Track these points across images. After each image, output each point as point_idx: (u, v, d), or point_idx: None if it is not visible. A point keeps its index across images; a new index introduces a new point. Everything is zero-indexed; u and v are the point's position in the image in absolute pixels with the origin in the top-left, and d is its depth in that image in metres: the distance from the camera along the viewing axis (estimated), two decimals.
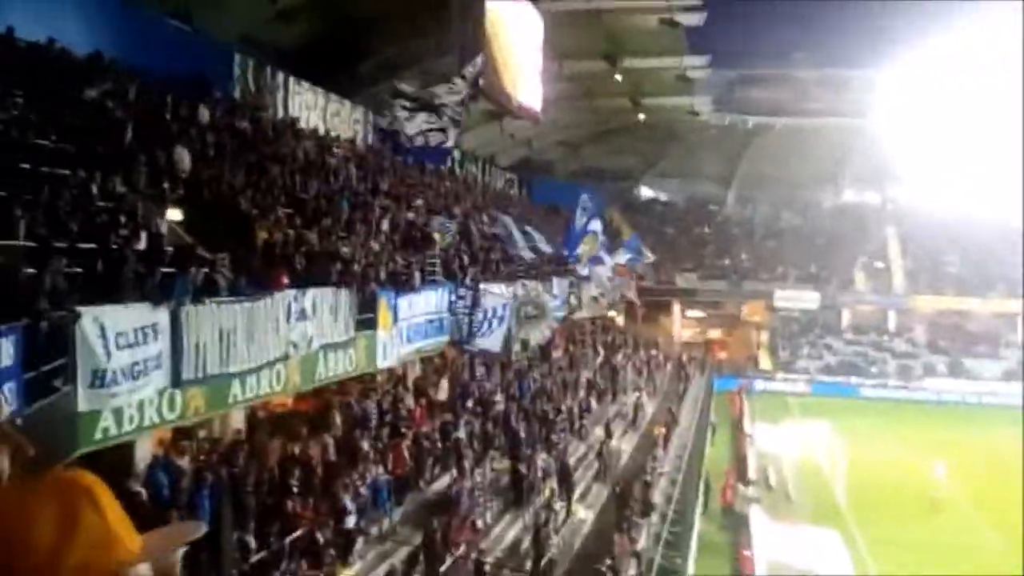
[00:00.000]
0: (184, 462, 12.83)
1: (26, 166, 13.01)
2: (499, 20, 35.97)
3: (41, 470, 1.71)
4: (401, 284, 19.09)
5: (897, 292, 58.83)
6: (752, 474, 31.16)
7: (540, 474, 21.68)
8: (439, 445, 20.25)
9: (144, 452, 12.58)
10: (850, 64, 60.35)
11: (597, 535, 21.49)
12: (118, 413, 10.37)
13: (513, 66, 38.88)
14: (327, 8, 31.86)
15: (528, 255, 28.77)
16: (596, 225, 32.05)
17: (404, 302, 18.50)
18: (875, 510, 27.80)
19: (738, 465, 32.45)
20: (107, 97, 17.66)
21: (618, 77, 49.55)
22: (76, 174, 13.57)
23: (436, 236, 24.20)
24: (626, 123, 62.80)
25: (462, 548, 16.45)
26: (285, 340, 13.63)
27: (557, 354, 34.92)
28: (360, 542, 15.55)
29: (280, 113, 30.06)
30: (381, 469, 17.02)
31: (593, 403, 33.11)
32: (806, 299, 58.43)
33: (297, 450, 15.66)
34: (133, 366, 10.28)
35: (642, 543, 20.94)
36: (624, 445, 29.91)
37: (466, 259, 25.71)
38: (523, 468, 21.32)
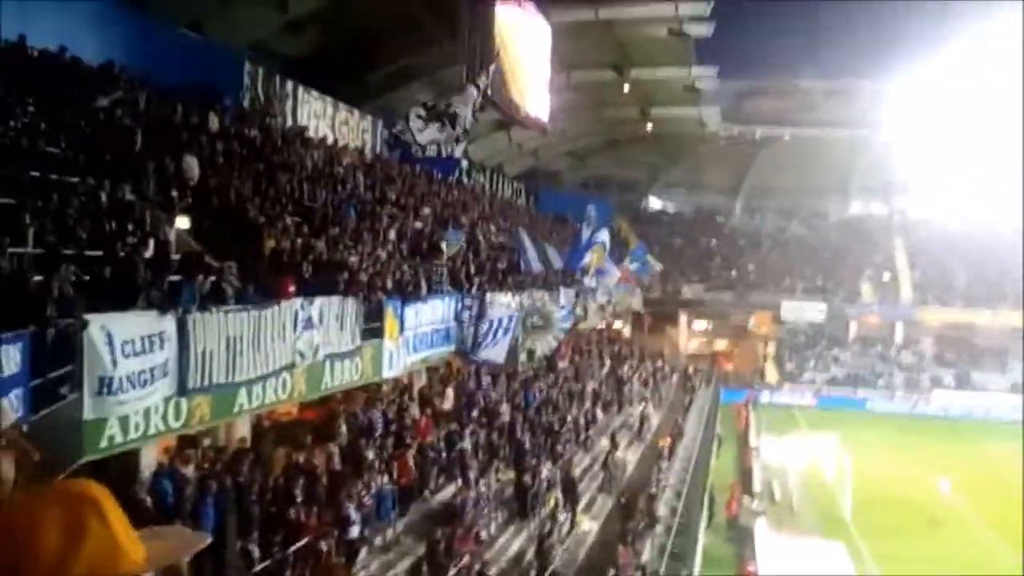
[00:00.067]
0: (189, 470, 12.82)
1: (35, 174, 13.08)
2: (508, 30, 36.04)
3: (47, 477, 1.73)
4: (408, 293, 19.10)
5: (904, 304, 58.61)
6: (757, 487, 31.08)
7: (545, 485, 21.63)
8: (444, 455, 20.24)
9: (149, 460, 12.59)
10: (858, 75, 60.34)
11: (601, 547, 21.42)
12: (124, 421, 10.39)
13: (521, 76, 38.96)
14: (336, 18, 31.99)
15: (538, 268, 28.85)
16: (603, 236, 32.08)
17: (411, 311, 18.50)
18: (880, 523, 27.70)
19: (743, 478, 32.37)
20: (117, 106, 17.76)
21: (626, 87, 49.61)
22: (85, 181, 13.64)
23: (443, 246, 24.24)
24: (634, 134, 62.88)
25: (466, 559, 16.42)
26: (291, 349, 13.64)
27: (563, 365, 34.87)
28: (364, 552, 15.55)
29: (289, 122, 30.19)
30: (386, 479, 17.00)
31: (599, 414, 33.05)
32: (813, 311, 58.24)
33: (302, 459, 15.65)
34: (140, 374, 10.30)
35: (646, 555, 20.86)
36: (629, 456, 29.82)
37: (473, 269, 25.73)
38: (528, 479, 21.28)
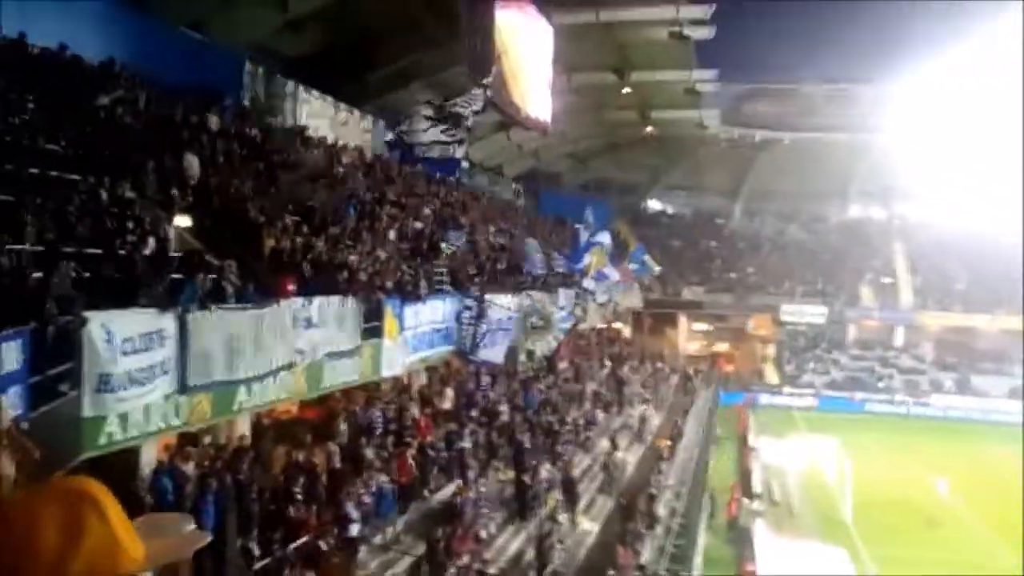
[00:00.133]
0: (189, 468, 12.83)
1: (35, 171, 13.07)
2: (509, 32, 36.03)
3: (46, 474, 1.71)
4: (407, 293, 19.10)
5: (904, 308, 58.68)
6: (757, 488, 31.08)
7: (544, 485, 21.64)
8: (443, 454, 20.25)
9: (149, 457, 12.59)
10: (858, 79, 60.27)
11: (601, 547, 21.42)
12: (123, 418, 10.38)
13: (522, 77, 38.93)
14: (337, 18, 31.96)
15: (541, 271, 28.92)
16: (603, 237, 32.12)
17: (410, 311, 18.52)
18: (879, 525, 27.69)
19: (743, 479, 32.36)
20: (118, 104, 17.75)
21: (627, 90, 49.62)
22: (85, 179, 13.63)
23: (443, 246, 24.26)
24: (634, 136, 62.87)
25: (465, 558, 16.43)
26: (291, 347, 13.64)
27: (563, 365, 34.89)
28: (363, 550, 15.54)
29: (289, 121, 30.18)
30: (385, 478, 17.01)
31: (599, 415, 33.06)
32: (813, 313, 58.32)
33: (302, 458, 15.66)
34: (140, 371, 10.30)
35: (646, 556, 20.87)
36: (629, 457, 29.84)
37: (472, 269, 25.74)
38: (527, 479, 21.28)
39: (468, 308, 20.84)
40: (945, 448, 39.51)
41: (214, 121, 21.38)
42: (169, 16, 25.71)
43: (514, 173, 59.70)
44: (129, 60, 21.19)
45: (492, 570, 17.39)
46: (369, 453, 17.23)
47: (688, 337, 61.41)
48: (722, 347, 61.26)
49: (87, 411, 9.65)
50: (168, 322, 10.91)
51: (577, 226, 31.87)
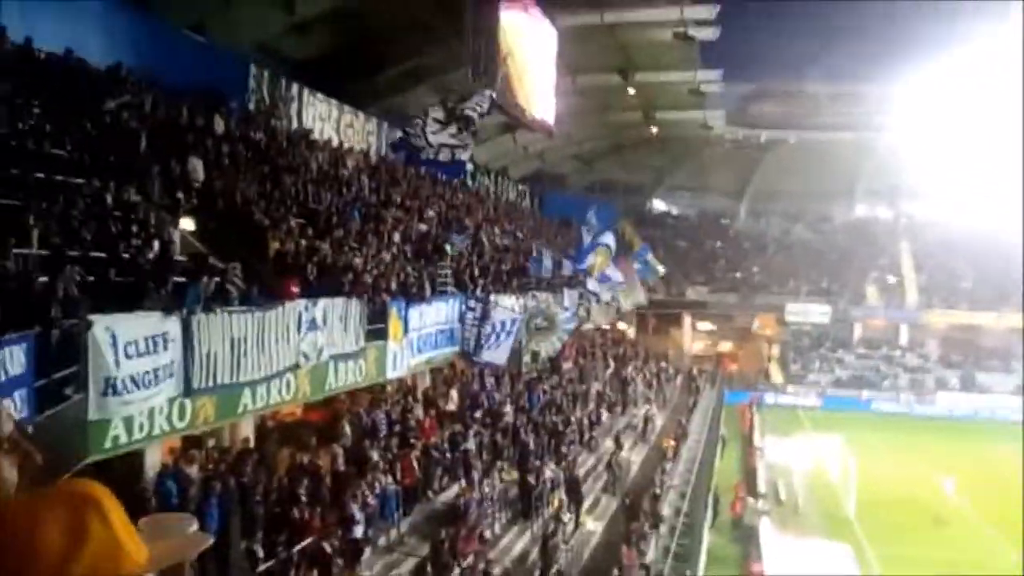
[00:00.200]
0: (193, 471, 12.85)
1: (41, 175, 13.12)
2: (513, 33, 36.03)
3: (51, 478, 1.74)
4: (412, 295, 19.12)
5: (910, 306, 58.51)
6: (762, 487, 31.03)
7: (549, 485, 21.63)
8: (448, 456, 20.25)
9: (153, 460, 12.63)
10: (863, 79, 60.26)
11: (606, 547, 21.42)
12: (128, 421, 10.41)
13: (527, 79, 38.93)
14: (342, 20, 31.99)
15: (548, 274, 28.99)
16: (608, 238, 32.08)
17: (415, 313, 18.51)
18: (885, 524, 27.64)
19: (748, 478, 32.31)
20: (123, 109, 17.80)
21: (631, 91, 49.54)
22: (90, 183, 13.68)
23: (448, 248, 24.27)
24: (639, 137, 62.78)
25: (470, 559, 16.43)
26: (296, 350, 13.66)
27: (567, 366, 34.86)
28: (368, 552, 15.56)
29: (294, 124, 30.21)
30: (390, 479, 17.02)
31: (603, 415, 33.05)
32: (818, 313, 58.16)
33: (306, 460, 15.67)
34: (144, 375, 10.33)
35: (651, 555, 20.87)
36: (634, 457, 29.83)
37: (477, 271, 25.75)
38: (532, 479, 21.28)
39: (472, 309, 20.84)
40: (951, 447, 39.42)
41: (219, 124, 21.43)
42: (173, 19, 25.77)
43: (520, 175, 59.68)
44: (134, 63, 21.26)
45: (496, 570, 17.39)
46: (373, 455, 17.23)
47: (693, 337, 61.33)
48: (727, 347, 61.20)
49: (92, 414, 9.69)
50: (173, 325, 10.94)
51: (581, 227, 31.81)
